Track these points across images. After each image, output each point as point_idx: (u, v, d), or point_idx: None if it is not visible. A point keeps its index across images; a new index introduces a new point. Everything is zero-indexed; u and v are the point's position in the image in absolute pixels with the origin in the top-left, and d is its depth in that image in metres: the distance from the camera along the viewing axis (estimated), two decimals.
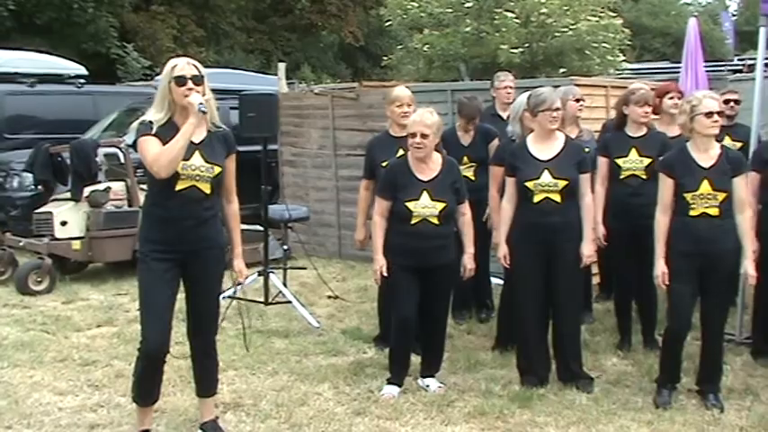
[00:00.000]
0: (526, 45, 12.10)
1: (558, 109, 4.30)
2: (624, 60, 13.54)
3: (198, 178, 3.45)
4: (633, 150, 4.87)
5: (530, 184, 4.25)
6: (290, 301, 5.92)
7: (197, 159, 3.45)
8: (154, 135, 3.40)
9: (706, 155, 4.04)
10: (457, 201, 4.27)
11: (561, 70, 11.97)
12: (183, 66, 3.43)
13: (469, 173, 5.49)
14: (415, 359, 4.53)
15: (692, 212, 4.00)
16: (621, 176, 4.89)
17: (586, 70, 12.07)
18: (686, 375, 4.37)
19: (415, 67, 13.76)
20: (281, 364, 4.81)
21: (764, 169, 4.62)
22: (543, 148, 4.33)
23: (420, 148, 4.16)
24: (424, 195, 4.15)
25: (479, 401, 4.15)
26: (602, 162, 4.93)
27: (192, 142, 3.43)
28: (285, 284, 6.20)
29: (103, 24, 18.07)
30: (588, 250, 4.36)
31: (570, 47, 12.27)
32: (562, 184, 4.23)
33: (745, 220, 4.04)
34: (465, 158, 5.50)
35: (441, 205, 4.16)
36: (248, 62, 21.11)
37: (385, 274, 4.18)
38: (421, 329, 4.44)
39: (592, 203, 4.42)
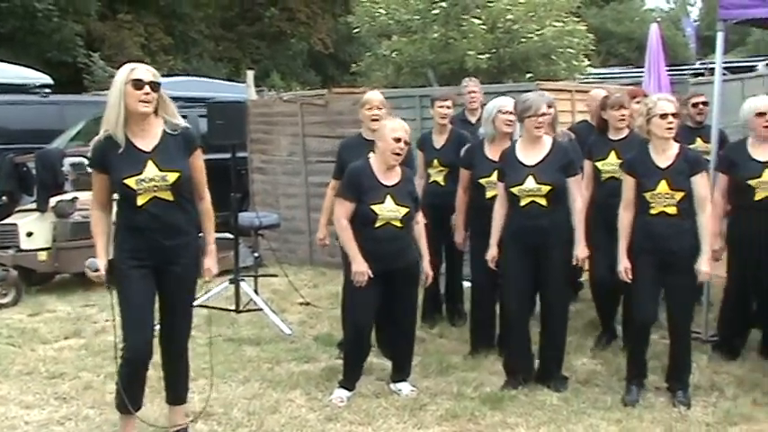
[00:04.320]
0: (493, 51, 12.19)
1: (543, 114, 4.36)
2: (589, 65, 13.72)
3: (156, 189, 3.41)
4: (612, 153, 4.96)
5: (515, 190, 4.31)
6: (261, 309, 5.90)
7: (150, 170, 3.39)
8: (103, 170, 3.42)
9: (664, 155, 4.15)
10: (415, 209, 4.30)
11: (528, 75, 12.07)
12: (142, 70, 3.39)
13: (439, 178, 5.52)
14: (387, 364, 4.55)
15: (651, 211, 4.12)
16: (602, 179, 4.98)
17: (553, 75, 12.19)
18: (653, 374, 4.45)
19: (383, 74, 13.77)
20: (252, 371, 4.78)
21: (731, 171, 4.73)
22: (530, 153, 4.39)
23: (400, 154, 4.19)
24: (389, 199, 4.16)
25: (451, 404, 4.17)
26: (586, 165, 5.02)
27: (143, 151, 3.40)
28: (256, 292, 6.18)
29: (69, 33, 17.88)
30: (582, 253, 4.39)
31: (536, 52, 12.39)
32: (545, 189, 4.28)
33: (706, 218, 4.14)
34: (435, 161, 5.52)
35: (404, 210, 4.18)
36: (217, 70, 21.00)
37: (371, 275, 4.14)
38: (389, 335, 4.46)
39: (583, 206, 4.47)
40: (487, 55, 11.94)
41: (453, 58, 12.28)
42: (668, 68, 7.98)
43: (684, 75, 10.93)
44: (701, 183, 4.15)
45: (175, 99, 3.59)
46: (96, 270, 3.43)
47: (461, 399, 4.26)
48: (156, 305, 3.59)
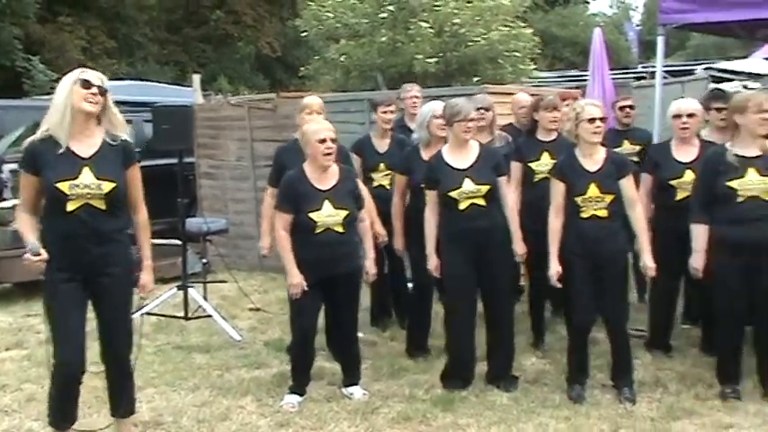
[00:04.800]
0: (440, 54, 12.31)
1: (472, 119, 4.41)
2: (535, 69, 13.96)
3: (89, 196, 3.33)
4: (545, 154, 5.03)
5: (453, 194, 4.33)
6: (210, 315, 5.83)
7: (86, 177, 3.33)
8: (34, 172, 3.33)
9: (592, 159, 4.25)
10: (357, 208, 4.28)
11: (475, 79, 12.22)
12: (92, 74, 3.38)
13: (385, 181, 5.50)
14: (338, 368, 4.55)
15: (582, 215, 4.20)
16: (535, 180, 5.04)
17: (499, 78, 12.36)
18: (600, 372, 4.54)
19: (332, 78, 13.77)
20: (202, 379, 4.73)
21: (655, 171, 4.86)
22: (460, 157, 4.43)
23: (331, 153, 4.16)
24: (326, 204, 4.13)
25: (403, 407, 4.19)
26: (515, 167, 5.08)
27: (80, 157, 3.34)
28: (205, 298, 6.10)
29: (6, 36, 17.40)
30: (520, 249, 4.49)
31: (483, 56, 12.56)
32: (485, 189, 4.34)
33: (638, 216, 4.28)
34: (381, 165, 5.51)
35: (344, 213, 4.16)
36: (163, 74, 20.68)
37: (306, 289, 4.14)
38: (333, 340, 4.45)
39: (515, 204, 4.55)
40: (435, 59, 12.06)
41: (401, 61, 12.36)
42: (612, 72, 8.17)
43: (627, 78, 11.21)
44: (628, 185, 4.26)
45: (120, 103, 3.53)
46: (38, 254, 3.24)
47: (413, 401, 4.28)
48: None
